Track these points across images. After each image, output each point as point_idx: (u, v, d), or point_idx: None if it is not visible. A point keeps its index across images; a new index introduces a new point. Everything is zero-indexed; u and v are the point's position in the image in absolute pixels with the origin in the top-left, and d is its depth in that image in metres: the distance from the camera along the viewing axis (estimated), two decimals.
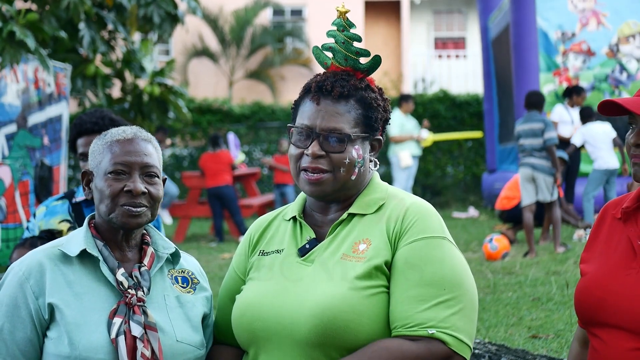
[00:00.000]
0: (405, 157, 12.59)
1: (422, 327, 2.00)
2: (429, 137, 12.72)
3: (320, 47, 2.24)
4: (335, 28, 2.22)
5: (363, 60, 2.23)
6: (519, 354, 4.21)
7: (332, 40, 2.23)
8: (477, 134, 14.23)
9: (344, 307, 2.02)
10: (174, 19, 8.85)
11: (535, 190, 8.67)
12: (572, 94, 10.85)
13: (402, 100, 13.02)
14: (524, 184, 8.73)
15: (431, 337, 1.99)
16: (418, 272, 2.04)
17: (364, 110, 2.17)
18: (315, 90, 2.17)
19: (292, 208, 2.28)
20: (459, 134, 14.00)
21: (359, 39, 2.22)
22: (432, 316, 2.00)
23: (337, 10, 2.22)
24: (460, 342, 2.01)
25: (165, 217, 14.02)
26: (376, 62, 2.21)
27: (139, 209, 2.15)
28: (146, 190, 2.16)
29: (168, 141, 14.37)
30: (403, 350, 1.99)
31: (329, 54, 2.23)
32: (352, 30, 2.22)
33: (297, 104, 2.23)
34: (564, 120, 10.72)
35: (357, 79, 2.19)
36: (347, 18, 2.22)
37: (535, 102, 8.85)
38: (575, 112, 10.86)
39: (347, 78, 2.18)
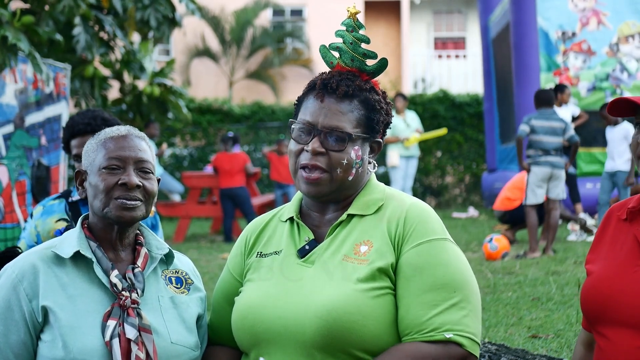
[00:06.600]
0: (391, 157, 12.64)
1: (438, 331, 2.01)
2: (411, 138, 12.70)
3: (327, 46, 2.23)
4: (344, 28, 2.21)
5: (369, 62, 2.22)
6: (519, 353, 4.19)
7: (340, 40, 2.21)
8: (442, 131, 14.07)
9: (349, 308, 2.01)
10: (172, 22, 8.86)
11: (545, 191, 8.58)
12: (556, 93, 10.85)
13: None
14: (539, 184, 8.54)
15: (448, 340, 2.01)
16: (426, 277, 2.05)
17: (367, 111, 2.16)
18: (320, 87, 2.16)
19: (289, 209, 2.25)
20: (431, 132, 13.94)
21: (367, 41, 2.21)
22: (447, 320, 2.02)
23: (348, 11, 2.21)
24: (473, 343, 2.03)
25: (176, 196, 14.09)
26: (382, 64, 2.20)
27: (133, 202, 2.13)
28: (141, 184, 2.15)
29: (164, 146, 14.36)
30: (423, 353, 2.00)
31: (336, 54, 2.22)
32: (361, 32, 2.21)
33: (300, 100, 2.22)
34: None
35: (363, 81, 2.18)
36: (357, 19, 2.21)
37: (548, 99, 8.76)
38: (562, 111, 10.88)
39: (353, 78, 2.17)
